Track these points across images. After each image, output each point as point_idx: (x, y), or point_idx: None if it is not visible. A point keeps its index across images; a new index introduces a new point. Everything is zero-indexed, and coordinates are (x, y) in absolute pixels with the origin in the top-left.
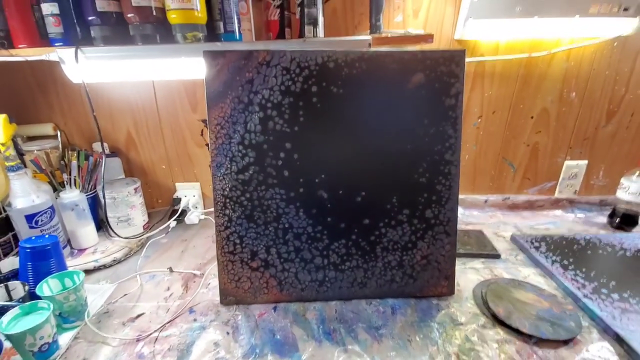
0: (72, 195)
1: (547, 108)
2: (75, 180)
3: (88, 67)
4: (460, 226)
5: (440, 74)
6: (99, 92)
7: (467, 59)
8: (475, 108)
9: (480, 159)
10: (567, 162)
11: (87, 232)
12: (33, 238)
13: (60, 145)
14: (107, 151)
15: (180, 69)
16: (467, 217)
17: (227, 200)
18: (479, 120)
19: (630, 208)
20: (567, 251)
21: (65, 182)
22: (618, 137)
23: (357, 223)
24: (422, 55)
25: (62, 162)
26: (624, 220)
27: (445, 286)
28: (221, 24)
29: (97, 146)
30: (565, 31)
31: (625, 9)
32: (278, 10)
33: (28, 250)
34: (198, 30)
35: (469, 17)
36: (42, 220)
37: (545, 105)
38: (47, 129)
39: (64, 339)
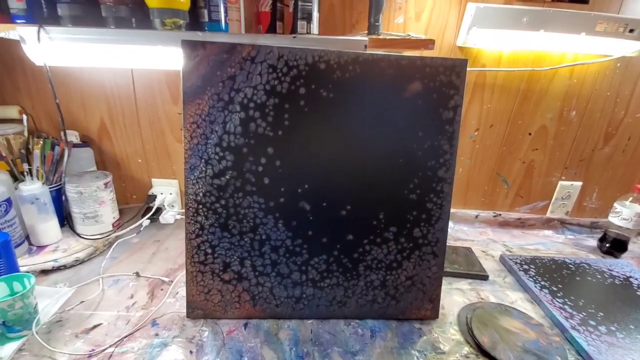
0: (33, 187)
1: (546, 125)
2: (38, 170)
3: (52, 48)
4: (449, 242)
5: (439, 84)
6: (70, 75)
7: (468, 69)
8: (473, 120)
9: (474, 173)
10: (562, 182)
11: (48, 227)
12: None
13: (25, 131)
14: (77, 140)
15: (159, 58)
16: (457, 232)
17: (200, 206)
18: (476, 133)
19: (621, 233)
20: (556, 276)
21: (25, 173)
22: (614, 160)
23: (340, 238)
24: (421, 62)
25: (23, 151)
26: (614, 245)
27: (429, 309)
28: (206, 12)
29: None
30: (571, 47)
31: (631, 31)
32: (270, 2)
33: None
34: (179, 16)
35: (473, 26)
36: None
37: (544, 122)
38: (12, 111)
39: (7, 350)
